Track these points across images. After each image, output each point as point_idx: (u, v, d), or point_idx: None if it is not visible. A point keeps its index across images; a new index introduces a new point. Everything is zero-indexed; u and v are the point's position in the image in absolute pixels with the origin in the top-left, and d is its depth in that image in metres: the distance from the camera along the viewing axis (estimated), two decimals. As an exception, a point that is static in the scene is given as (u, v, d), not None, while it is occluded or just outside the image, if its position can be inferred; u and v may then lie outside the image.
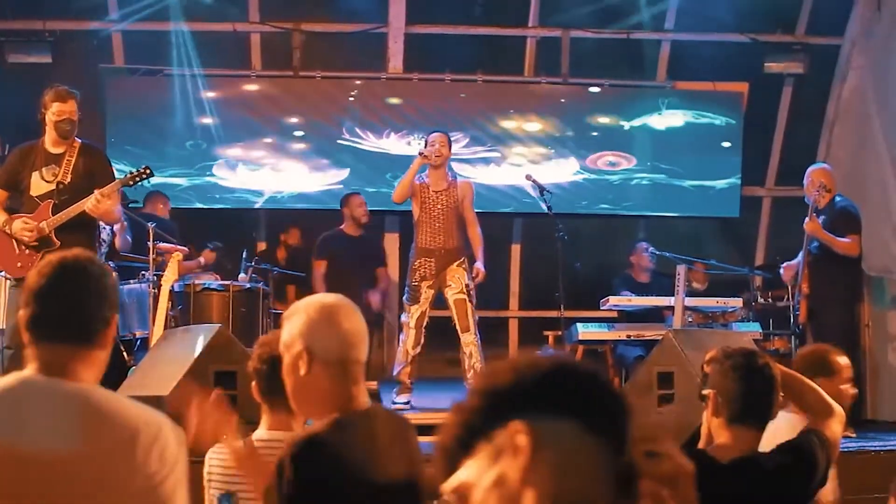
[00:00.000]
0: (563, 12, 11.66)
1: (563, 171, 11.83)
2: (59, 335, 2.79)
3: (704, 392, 3.72)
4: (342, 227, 10.38)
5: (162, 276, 8.36)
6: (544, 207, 9.39)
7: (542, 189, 9.37)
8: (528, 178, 9.80)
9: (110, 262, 8.92)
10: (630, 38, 11.89)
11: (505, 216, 11.82)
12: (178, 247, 8.81)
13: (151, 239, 8.73)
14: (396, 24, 11.60)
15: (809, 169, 9.25)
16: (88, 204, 7.11)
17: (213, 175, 11.45)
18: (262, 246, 11.80)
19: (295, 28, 11.66)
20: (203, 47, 11.46)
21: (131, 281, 8.85)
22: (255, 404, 4.17)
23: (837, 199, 9.03)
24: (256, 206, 11.55)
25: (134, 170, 7.49)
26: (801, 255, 9.10)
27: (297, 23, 11.66)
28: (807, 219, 8.89)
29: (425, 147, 9.15)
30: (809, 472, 3.66)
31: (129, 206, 9.51)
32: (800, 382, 3.96)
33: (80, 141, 7.47)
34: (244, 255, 9.89)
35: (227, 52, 11.68)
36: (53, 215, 7.22)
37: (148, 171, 7.38)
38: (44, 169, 7.33)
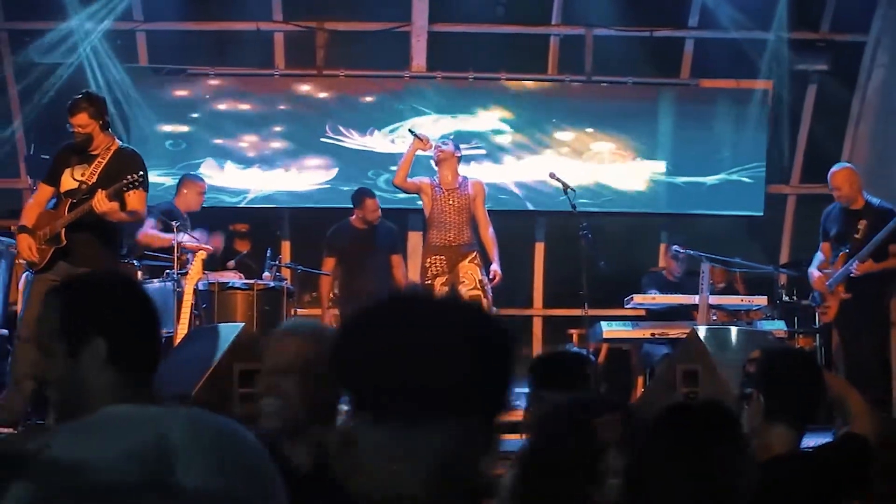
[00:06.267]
0: (587, 10, 11.65)
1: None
2: None
3: (747, 391, 3.70)
4: (351, 219, 10.24)
5: (186, 274, 8.39)
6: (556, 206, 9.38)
7: (565, 187, 9.34)
8: (552, 175, 9.76)
9: (134, 261, 8.96)
10: (654, 36, 11.86)
11: (528, 214, 11.80)
12: (203, 245, 8.82)
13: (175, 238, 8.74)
14: (419, 23, 11.61)
15: (835, 171, 9.03)
16: (92, 203, 7.14)
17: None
18: (286, 245, 11.82)
19: (318, 27, 11.68)
20: (227, 46, 11.52)
21: (155, 280, 8.86)
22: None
23: (873, 200, 8.87)
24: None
25: (132, 175, 7.33)
26: (840, 273, 8.81)
27: (321, 22, 11.68)
28: (855, 262, 8.66)
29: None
30: (848, 475, 3.64)
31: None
32: (841, 386, 3.95)
33: (119, 143, 7.49)
34: (268, 254, 9.89)
35: (251, 52, 11.71)
36: (68, 213, 7.27)
37: (139, 180, 7.24)
38: (76, 167, 7.37)
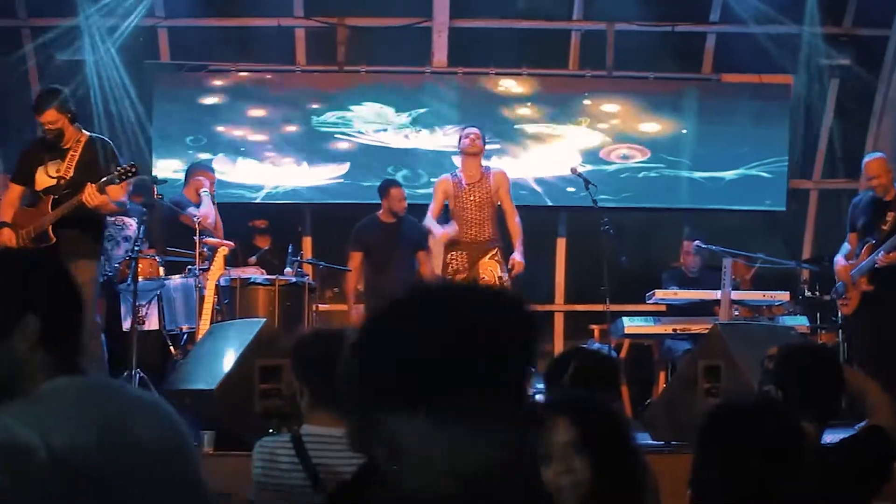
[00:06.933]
0: (608, 5, 11.64)
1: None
2: None
3: (766, 388, 3.69)
4: (378, 213, 10.19)
5: (208, 270, 8.40)
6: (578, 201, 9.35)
7: (587, 182, 9.32)
8: (573, 171, 9.75)
9: (157, 257, 8.98)
10: (675, 31, 11.82)
11: (550, 210, 11.78)
12: (225, 241, 8.84)
13: (198, 233, 8.76)
14: (440, 19, 11.61)
15: (870, 159, 8.97)
16: (82, 197, 7.12)
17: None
18: (307, 241, 11.82)
19: (339, 23, 11.69)
20: (248, 43, 11.55)
21: (177, 276, 8.89)
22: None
23: None
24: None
25: (123, 167, 7.28)
26: (864, 264, 8.75)
27: (342, 18, 11.69)
28: (881, 253, 8.59)
29: (459, 141, 9.43)
30: (870, 469, 3.63)
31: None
32: (860, 380, 3.93)
33: (87, 134, 7.48)
34: (290, 250, 9.89)
35: (272, 48, 11.73)
36: (52, 210, 7.24)
37: (133, 170, 7.28)
38: (49, 163, 7.36)
